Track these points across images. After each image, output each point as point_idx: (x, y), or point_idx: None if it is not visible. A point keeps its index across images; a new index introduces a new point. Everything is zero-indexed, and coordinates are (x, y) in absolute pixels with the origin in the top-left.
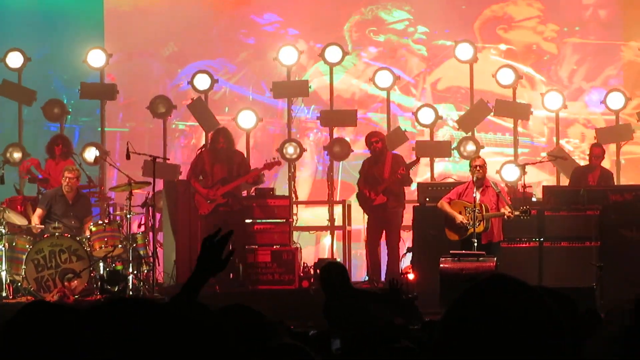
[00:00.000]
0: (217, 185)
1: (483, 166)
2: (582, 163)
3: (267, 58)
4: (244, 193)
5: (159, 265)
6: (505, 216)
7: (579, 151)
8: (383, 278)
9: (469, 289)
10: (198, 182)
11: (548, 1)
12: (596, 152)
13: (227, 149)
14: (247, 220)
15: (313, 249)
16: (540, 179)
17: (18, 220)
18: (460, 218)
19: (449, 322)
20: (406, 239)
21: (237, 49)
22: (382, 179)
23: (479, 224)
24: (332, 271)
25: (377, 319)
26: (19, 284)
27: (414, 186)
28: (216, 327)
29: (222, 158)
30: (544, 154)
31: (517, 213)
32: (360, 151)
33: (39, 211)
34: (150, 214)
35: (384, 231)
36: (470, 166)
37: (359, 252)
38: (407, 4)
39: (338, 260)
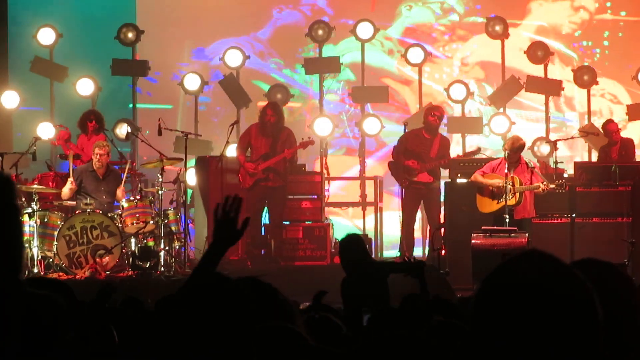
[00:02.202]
0: (259, 160)
1: (520, 148)
2: None
3: (296, 36)
4: None
5: (190, 241)
6: (541, 189)
7: None
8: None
9: (503, 264)
10: (244, 155)
11: None
12: (611, 128)
13: (275, 123)
14: None
15: (345, 225)
16: (571, 154)
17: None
18: (496, 182)
19: (484, 297)
20: None
21: (267, 26)
22: (427, 157)
23: (512, 197)
24: (351, 243)
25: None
26: (51, 260)
27: None
28: (238, 297)
29: (268, 133)
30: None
31: (552, 186)
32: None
33: (69, 184)
34: (182, 190)
35: (425, 208)
36: (506, 145)
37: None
38: None
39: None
